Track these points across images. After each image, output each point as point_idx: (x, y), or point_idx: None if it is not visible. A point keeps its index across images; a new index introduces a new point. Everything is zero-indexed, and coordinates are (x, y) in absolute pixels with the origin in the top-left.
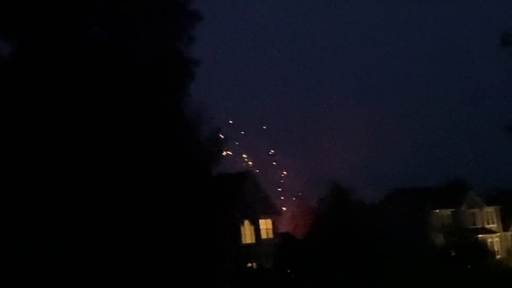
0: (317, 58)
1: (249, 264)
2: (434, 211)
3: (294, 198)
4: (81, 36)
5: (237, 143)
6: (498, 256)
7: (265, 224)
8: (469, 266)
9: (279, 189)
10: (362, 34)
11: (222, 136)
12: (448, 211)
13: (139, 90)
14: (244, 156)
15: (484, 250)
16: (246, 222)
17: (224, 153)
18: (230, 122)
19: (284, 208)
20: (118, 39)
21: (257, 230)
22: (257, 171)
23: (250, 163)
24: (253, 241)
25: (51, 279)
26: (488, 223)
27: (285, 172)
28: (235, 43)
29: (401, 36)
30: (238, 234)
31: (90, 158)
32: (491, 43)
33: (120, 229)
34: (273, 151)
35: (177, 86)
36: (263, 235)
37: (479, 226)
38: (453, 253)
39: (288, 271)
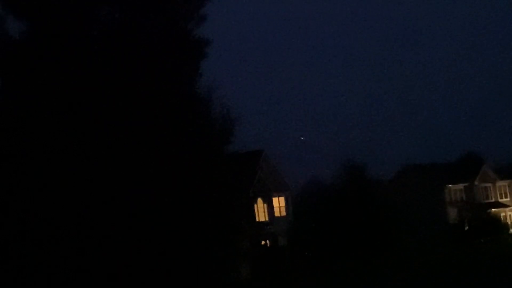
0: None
1: (263, 242)
2: (448, 186)
3: (308, 175)
4: (91, 17)
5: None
6: None
7: (278, 202)
8: (482, 240)
9: (293, 166)
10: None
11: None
12: (461, 186)
13: (150, 70)
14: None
15: (498, 224)
16: (259, 200)
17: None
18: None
19: (297, 185)
20: (128, 19)
21: (270, 208)
22: (271, 148)
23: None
24: (267, 219)
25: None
26: (502, 197)
27: (299, 149)
28: (247, 22)
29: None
30: (252, 212)
31: (102, 139)
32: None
33: (136, 208)
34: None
35: (188, 65)
36: (276, 213)
37: (493, 200)
38: (466, 228)
39: (302, 248)
